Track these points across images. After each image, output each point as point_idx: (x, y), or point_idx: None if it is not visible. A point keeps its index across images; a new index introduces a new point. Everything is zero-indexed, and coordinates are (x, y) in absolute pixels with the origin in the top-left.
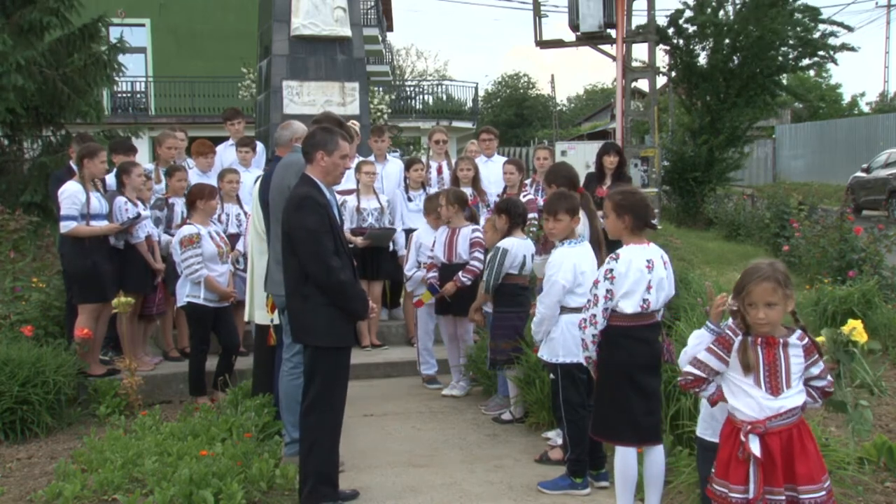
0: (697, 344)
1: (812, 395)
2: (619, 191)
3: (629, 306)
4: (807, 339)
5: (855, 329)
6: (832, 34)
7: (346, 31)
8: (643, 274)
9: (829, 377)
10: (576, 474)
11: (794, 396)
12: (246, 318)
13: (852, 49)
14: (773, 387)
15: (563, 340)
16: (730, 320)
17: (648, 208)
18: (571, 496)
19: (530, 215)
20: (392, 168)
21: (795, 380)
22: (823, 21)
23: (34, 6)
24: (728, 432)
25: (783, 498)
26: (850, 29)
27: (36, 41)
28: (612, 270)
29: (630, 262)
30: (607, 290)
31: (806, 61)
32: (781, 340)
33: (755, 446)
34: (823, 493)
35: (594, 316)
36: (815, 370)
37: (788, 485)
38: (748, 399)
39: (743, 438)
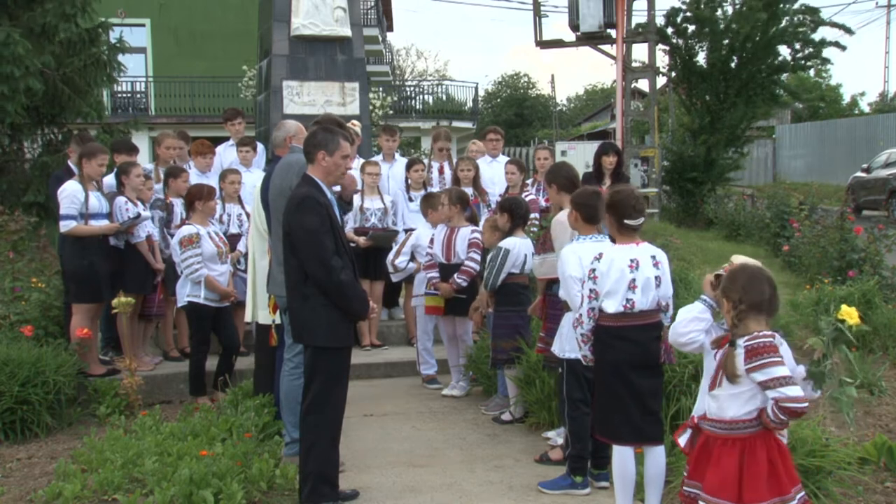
0: (687, 314)
1: (774, 410)
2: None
3: (611, 306)
4: (755, 341)
5: (847, 312)
6: (828, 43)
7: (346, 31)
8: (624, 273)
9: (784, 391)
10: (576, 472)
11: (729, 403)
12: (247, 319)
13: (841, 47)
14: (712, 382)
15: (569, 336)
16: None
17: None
18: (572, 496)
19: (532, 215)
20: (399, 168)
21: (726, 381)
22: (824, 23)
23: (43, 8)
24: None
25: (694, 492)
26: (850, 31)
27: (48, 45)
28: (594, 270)
29: (612, 262)
30: (591, 290)
31: (803, 61)
32: (733, 339)
33: (683, 439)
34: None
35: (581, 316)
36: (760, 376)
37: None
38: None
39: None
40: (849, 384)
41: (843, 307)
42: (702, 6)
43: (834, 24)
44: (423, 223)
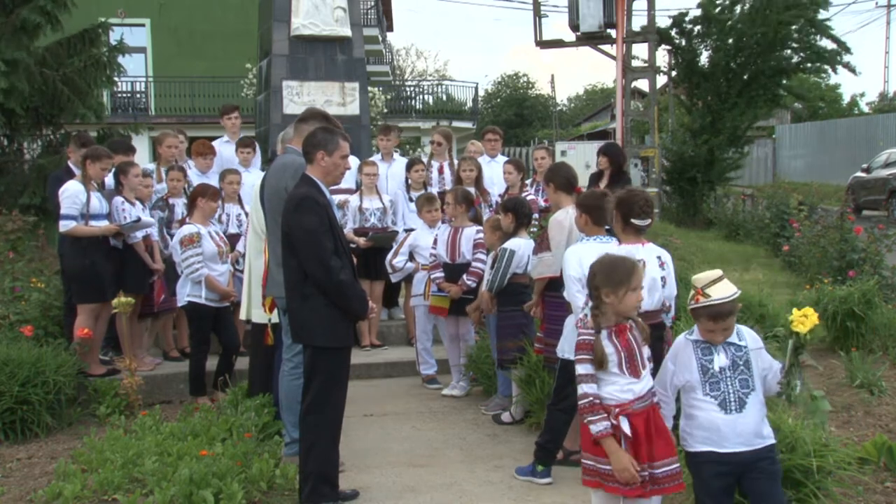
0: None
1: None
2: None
3: None
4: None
5: (799, 318)
6: (839, 54)
7: (346, 31)
8: None
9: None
10: (539, 461)
11: (649, 377)
12: (242, 317)
13: (853, 70)
14: (633, 370)
15: (569, 337)
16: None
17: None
18: (571, 496)
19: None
20: (398, 168)
21: (648, 360)
22: (831, 37)
23: (28, 5)
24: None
25: (647, 474)
26: (848, 50)
27: (28, 41)
28: None
29: None
30: None
31: (808, 65)
32: (629, 324)
33: (626, 426)
34: (677, 465)
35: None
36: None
37: (648, 463)
38: (614, 386)
39: (614, 421)
40: (822, 398)
41: (794, 312)
42: (715, 9)
43: (836, 40)
44: (422, 223)
